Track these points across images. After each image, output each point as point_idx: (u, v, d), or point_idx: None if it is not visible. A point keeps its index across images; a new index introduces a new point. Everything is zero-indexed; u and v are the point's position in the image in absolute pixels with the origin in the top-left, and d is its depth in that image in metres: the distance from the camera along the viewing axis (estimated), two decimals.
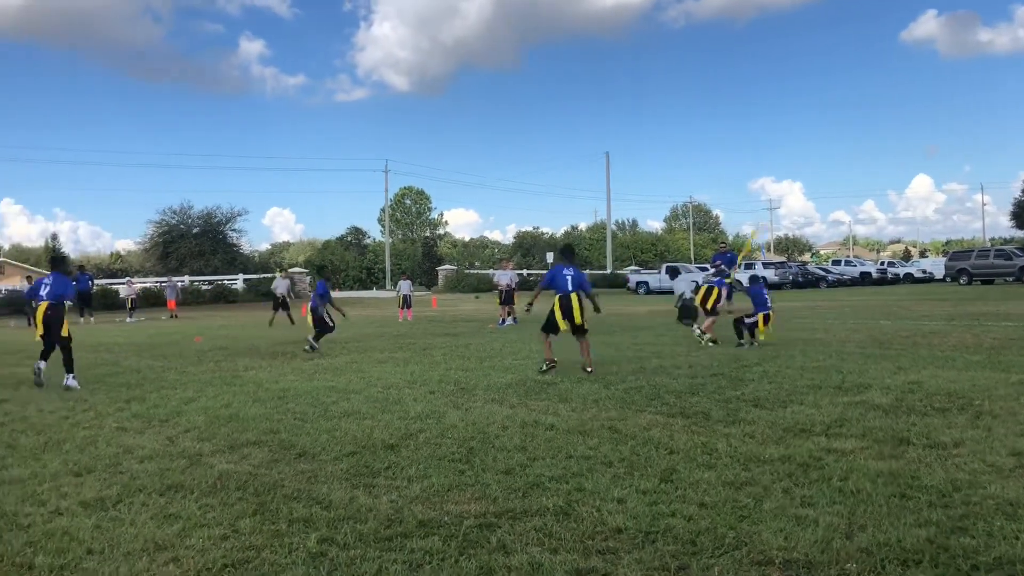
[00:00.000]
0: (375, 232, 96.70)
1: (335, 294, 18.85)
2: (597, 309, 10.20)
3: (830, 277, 48.46)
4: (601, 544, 3.71)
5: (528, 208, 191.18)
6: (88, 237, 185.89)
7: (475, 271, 59.19)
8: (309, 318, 14.10)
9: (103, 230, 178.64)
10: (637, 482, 4.67)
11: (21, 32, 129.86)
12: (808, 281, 46.34)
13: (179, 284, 35.41)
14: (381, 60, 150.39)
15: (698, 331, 12.84)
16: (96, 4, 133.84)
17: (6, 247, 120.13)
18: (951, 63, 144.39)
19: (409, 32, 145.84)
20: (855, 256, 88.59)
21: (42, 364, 10.25)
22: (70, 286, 11.07)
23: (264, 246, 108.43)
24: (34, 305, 10.67)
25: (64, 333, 10.18)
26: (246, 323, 23.19)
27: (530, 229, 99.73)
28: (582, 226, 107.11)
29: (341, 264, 73.74)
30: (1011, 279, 38.62)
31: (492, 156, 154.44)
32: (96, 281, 34.35)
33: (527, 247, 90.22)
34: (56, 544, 3.90)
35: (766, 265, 49.55)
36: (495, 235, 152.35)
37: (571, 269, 10.10)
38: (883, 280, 50.63)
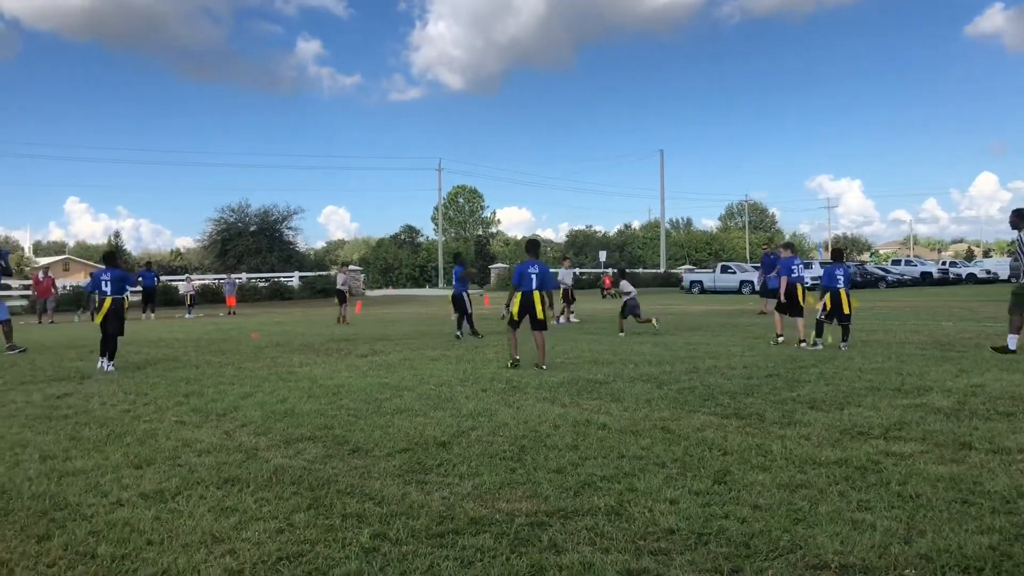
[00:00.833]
0: (428, 230, 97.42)
1: (388, 292, 19.06)
2: (551, 306, 10.75)
3: (889, 277, 47.49)
4: (653, 545, 3.68)
5: (581, 206, 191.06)
6: (149, 235, 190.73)
7: None
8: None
9: (164, 228, 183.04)
10: (690, 483, 4.63)
11: (86, 32, 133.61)
12: (867, 281, 45.48)
13: (236, 281, 36.00)
14: (435, 59, 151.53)
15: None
16: (158, 6, 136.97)
17: (71, 244, 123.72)
18: (1018, 57, 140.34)
19: (463, 31, 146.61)
20: (915, 256, 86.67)
21: (104, 363, 11.21)
22: (130, 280, 11.73)
23: (320, 244, 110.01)
24: (96, 298, 11.73)
25: (121, 327, 11.25)
26: (301, 320, 23.51)
27: (583, 228, 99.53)
28: (635, 224, 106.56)
29: (394, 262, 74.37)
30: None
31: (545, 155, 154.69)
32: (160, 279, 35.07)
33: (579, 245, 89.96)
34: (117, 534, 3.99)
35: (822, 265, 48.72)
36: (547, 233, 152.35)
37: (536, 266, 10.53)
38: (945, 280, 49.45)
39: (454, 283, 16.25)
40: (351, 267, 47.23)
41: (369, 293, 50.50)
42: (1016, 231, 10.88)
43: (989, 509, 4.04)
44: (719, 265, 46.40)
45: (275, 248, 53.91)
